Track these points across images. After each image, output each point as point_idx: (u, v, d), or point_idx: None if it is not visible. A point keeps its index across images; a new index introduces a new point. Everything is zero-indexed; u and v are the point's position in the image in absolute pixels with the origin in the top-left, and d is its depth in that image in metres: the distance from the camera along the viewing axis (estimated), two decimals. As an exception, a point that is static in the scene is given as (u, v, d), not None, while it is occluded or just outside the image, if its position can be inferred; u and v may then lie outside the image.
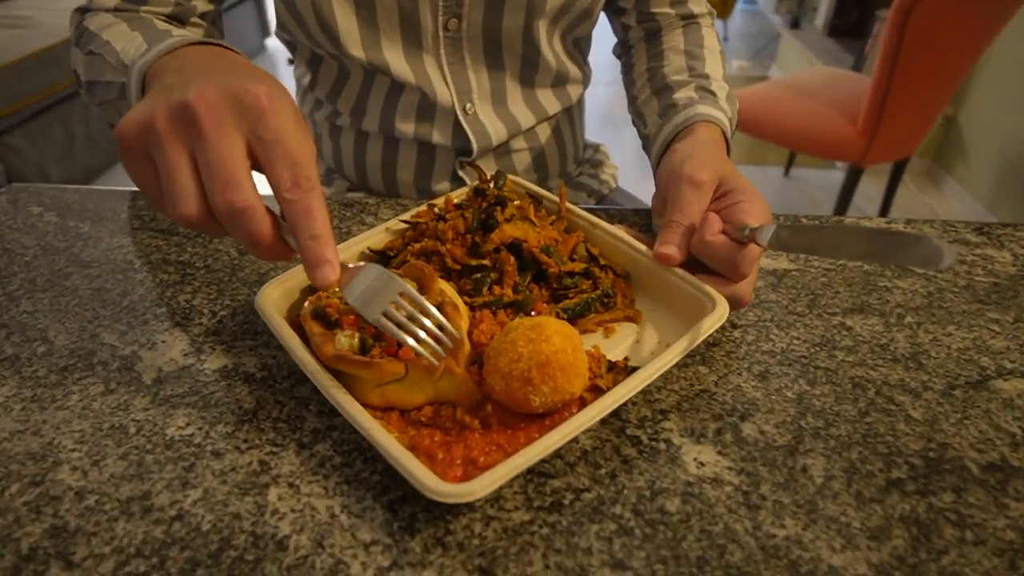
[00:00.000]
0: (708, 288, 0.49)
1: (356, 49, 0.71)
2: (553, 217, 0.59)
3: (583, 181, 0.94)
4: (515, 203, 0.57)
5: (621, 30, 0.84)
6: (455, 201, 0.59)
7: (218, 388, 0.48)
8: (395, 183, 0.83)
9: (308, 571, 0.36)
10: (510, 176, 0.61)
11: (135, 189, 0.70)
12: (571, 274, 0.54)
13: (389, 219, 0.58)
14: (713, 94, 0.68)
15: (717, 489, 0.41)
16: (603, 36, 0.86)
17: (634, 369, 0.44)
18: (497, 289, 0.51)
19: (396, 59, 0.73)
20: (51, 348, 0.51)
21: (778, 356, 0.51)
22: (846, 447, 0.44)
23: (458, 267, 0.53)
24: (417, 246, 0.54)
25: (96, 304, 0.56)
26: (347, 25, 0.70)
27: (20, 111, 2.27)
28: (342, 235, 0.65)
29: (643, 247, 0.54)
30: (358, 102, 0.78)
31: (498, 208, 0.55)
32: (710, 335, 0.48)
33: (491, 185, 0.60)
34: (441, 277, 0.51)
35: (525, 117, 0.81)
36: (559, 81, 0.82)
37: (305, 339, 0.45)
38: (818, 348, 0.52)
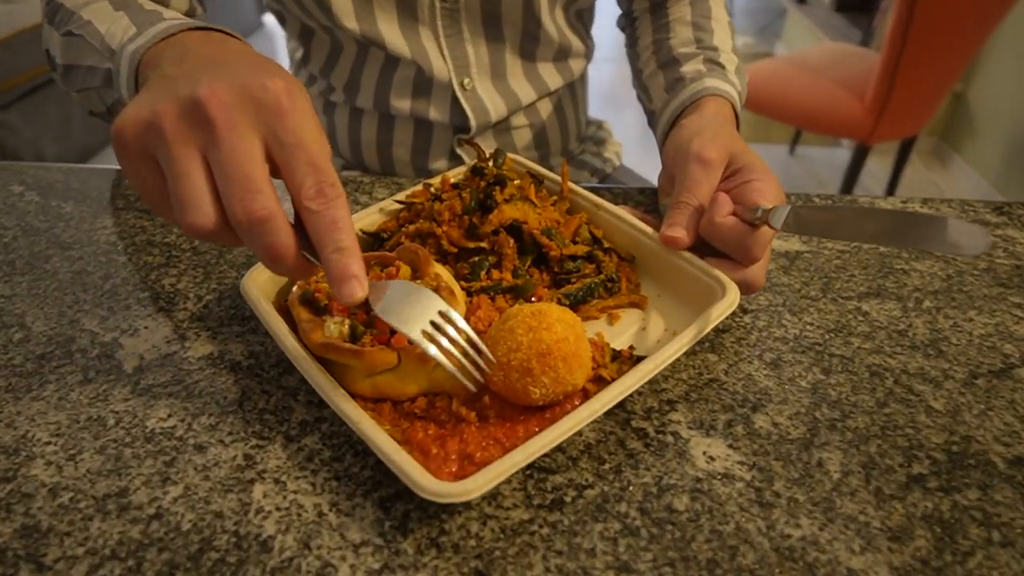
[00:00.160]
0: (717, 272, 0.47)
1: (349, 20, 0.68)
2: (555, 197, 0.57)
3: (586, 159, 0.91)
4: (515, 182, 0.55)
5: (625, 1, 0.81)
6: (452, 180, 0.56)
7: (202, 377, 0.45)
8: (391, 161, 0.80)
9: (293, 574, 0.34)
10: (510, 154, 0.59)
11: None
12: (573, 257, 0.51)
13: (383, 198, 0.56)
14: (722, 67, 0.65)
15: (728, 485, 0.39)
16: (605, 9, 0.83)
17: (640, 358, 0.42)
18: (496, 273, 0.50)
19: (391, 31, 0.70)
20: (28, 335, 0.49)
21: (791, 343, 0.49)
22: (864, 440, 0.42)
23: (455, 250, 0.51)
24: (412, 228, 0.52)
25: (76, 288, 0.53)
26: (339, -6, 0.66)
27: (14, 89, 2.23)
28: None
29: (649, 229, 0.52)
30: (352, 77, 0.75)
31: (497, 188, 0.53)
32: (720, 322, 0.45)
33: (490, 163, 0.57)
34: (437, 260, 0.49)
35: (525, 92, 0.78)
36: (561, 55, 0.79)
37: (293, 325, 0.43)
38: (833, 334, 0.50)
